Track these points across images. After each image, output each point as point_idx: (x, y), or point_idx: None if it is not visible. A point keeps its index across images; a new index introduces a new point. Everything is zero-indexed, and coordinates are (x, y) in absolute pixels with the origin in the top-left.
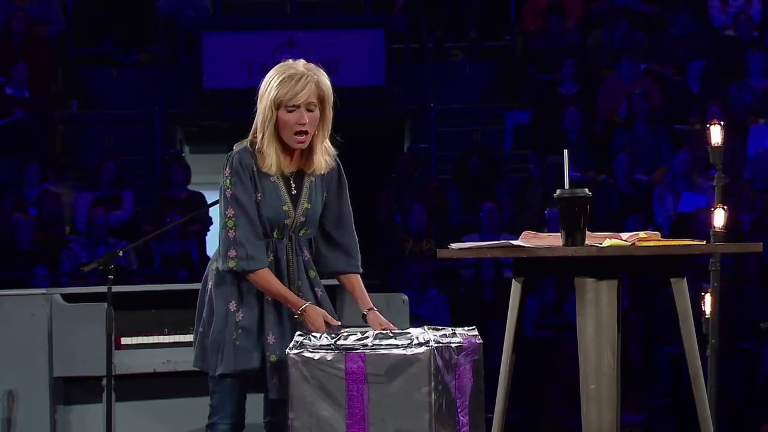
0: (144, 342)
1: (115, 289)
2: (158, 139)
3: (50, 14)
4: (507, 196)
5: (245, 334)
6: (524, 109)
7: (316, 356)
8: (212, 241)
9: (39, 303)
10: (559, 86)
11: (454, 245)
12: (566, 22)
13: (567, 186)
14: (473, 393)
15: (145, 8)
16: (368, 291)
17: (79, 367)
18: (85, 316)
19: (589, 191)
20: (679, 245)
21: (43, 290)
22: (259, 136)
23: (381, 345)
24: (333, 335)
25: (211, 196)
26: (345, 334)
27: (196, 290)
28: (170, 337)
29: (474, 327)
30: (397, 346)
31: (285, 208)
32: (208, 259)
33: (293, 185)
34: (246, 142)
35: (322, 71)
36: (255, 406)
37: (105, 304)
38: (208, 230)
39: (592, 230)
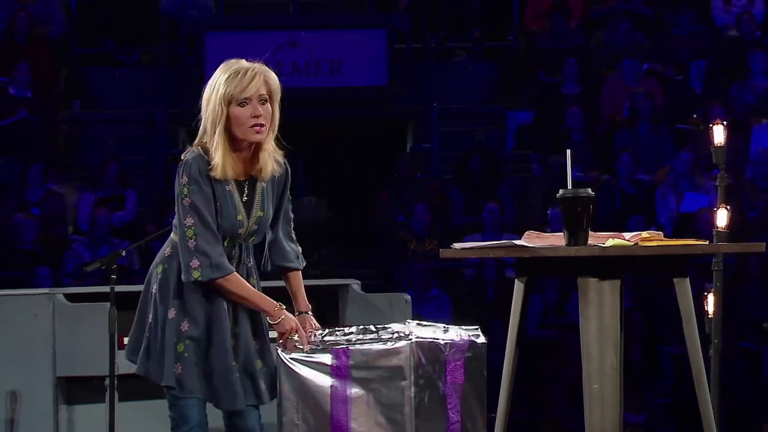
0: None
1: (118, 289)
2: (161, 140)
3: (53, 14)
4: (509, 196)
5: (195, 346)
6: (526, 109)
7: (302, 353)
8: None
9: (42, 303)
10: (561, 86)
11: (457, 245)
12: (569, 22)
13: (570, 186)
14: (467, 391)
15: (147, 8)
16: (371, 291)
17: (81, 367)
18: (87, 316)
19: (592, 191)
20: (681, 245)
21: (45, 290)
22: (209, 141)
23: (364, 339)
24: (317, 334)
25: None
26: (327, 331)
27: None
28: None
29: (477, 327)
30: (378, 341)
31: (239, 217)
32: None
33: (246, 192)
34: (198, 149)
35: (268, 68)
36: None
37: (108, 304)
38: None
39: (595, 230)
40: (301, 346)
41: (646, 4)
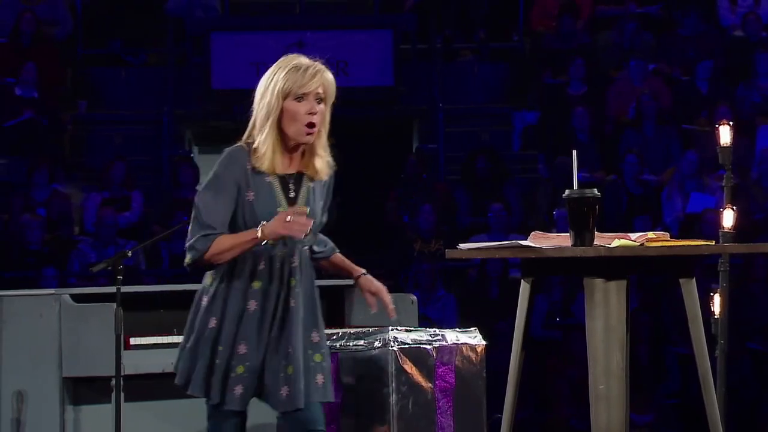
0: (153, 342)
1: (124, 289)
2: (167, 140)
3: (59, 15)
4: (515, 197)
5: (238, 362)
6: (533, 109)
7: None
8: None
9: (48, 303)
10: (567, 87)
11: (463, 246)
12: (576, 22)
13: (576, 186)
14: (461, 394)
15: (153, 9)
16: None
17: (88, 367)
18: (94, 317)
19: (598, 192)
20: (687, 246)
21: (52, 291)
22: (257, 134)
23: (349, 346)
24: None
25: None
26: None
27: None
28: (179, 337)
29: (475, 329)
30: (363, 348)
31: (280, 210)
32: None
33: (291, 187)
34: (241, 142)
35: (327, 68)
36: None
37: (114, 305)
38: None
39: (601, 231)
40: (303, 219)
41: (652, 3)
